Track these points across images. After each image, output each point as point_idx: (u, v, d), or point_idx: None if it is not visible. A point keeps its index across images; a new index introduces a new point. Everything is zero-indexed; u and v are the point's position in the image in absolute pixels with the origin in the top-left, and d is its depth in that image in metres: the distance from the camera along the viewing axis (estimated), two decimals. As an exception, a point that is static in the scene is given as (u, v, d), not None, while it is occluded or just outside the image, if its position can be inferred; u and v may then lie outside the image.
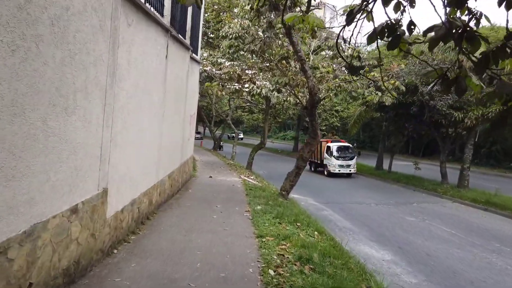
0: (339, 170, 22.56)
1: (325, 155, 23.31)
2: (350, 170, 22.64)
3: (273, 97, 15.20)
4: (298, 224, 7.34)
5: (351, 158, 22.73)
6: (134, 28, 5.22)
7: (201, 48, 20.29)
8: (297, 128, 40.96)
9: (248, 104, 37.27)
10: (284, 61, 9.43)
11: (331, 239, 7.23)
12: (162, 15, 6.66)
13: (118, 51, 4.67)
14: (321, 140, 34.21)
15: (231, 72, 12.27)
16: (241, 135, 51.45)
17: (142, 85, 5.81)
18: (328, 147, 23.10)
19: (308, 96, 10.31)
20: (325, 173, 23.24)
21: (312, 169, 25.53)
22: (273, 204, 9.04)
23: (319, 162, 24.07)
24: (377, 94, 8.39)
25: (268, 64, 9.92)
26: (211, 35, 25.54)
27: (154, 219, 6.89)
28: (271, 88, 15.13)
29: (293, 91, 9.67)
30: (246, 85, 15.87)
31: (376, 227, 11.30)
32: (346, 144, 24.18)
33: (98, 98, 4.18)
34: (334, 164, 22.51)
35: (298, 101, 16.56)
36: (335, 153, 22.79)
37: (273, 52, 9.46)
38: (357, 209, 13.95)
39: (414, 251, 9.09)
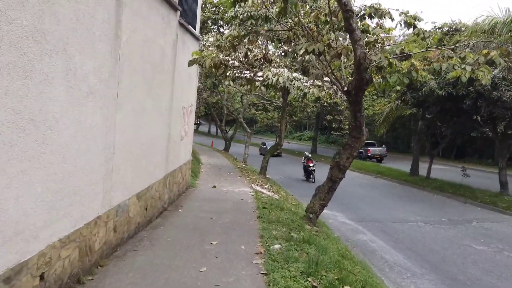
0: None
1: None
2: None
3: (292, 87, 12.13)
4: None
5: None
6: None
7: (207, 33, 17.19)
8: (315, 128, 37.68)
9: (262, 101, 34.30)
10: (314, 25, 6.40)
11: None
12: None
13: None
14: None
15: (233, 40, 9.43)
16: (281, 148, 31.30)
17: (33, 28, 2.84)
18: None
19: (352, 74, 7.19)
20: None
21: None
22: (299, 237, 5.95)
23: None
24: (464, 69, 5.23)
25: (289, 32, 6.89)
26: (220, 22, 22.68)
27: (94, 280, 3.90)
28: (289, 77, 12.09)
29: (329, 68, 6.52)
30: (260, 74, 12.85)
31: (440, 263, 8.07)
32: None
33: None
34: None
35: (326, 89, 13.43)
36: None
37: (298, 13, 6.40)
38: (402, 231, 10.71)
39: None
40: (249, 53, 7.23)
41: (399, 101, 20.26)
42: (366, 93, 25.13)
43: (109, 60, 3.98)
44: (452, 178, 19.23)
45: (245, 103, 26.89)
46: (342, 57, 5.42)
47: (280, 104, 30.12)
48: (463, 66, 5.47)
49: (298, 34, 5.98)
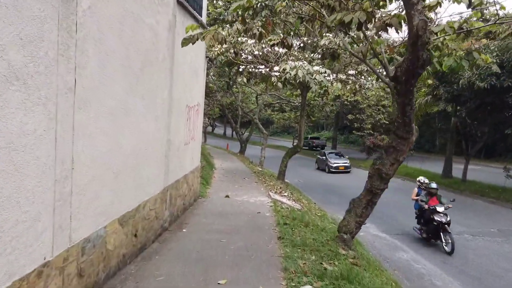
0: None
1: None
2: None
3: (313, 82, 10.72)
4: None
5: None
6: None
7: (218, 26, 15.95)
8: (335, 128, 35.97)
9: (278, 101, 32.86)
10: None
11: None
12: None
13: None
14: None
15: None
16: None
17: None
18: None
19: (390, 61, 5.73)
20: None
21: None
22: (334, 271, 4.51)
23: None
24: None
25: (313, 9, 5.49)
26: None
27: None
28: (310, 71, 10.70)
29: (370, 46, 5.03)
30: (276, 68, 11.52)
31: (507, 292, 6.49)
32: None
33: None
34: None
35: (351, 83, 11.97)
36: None
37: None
38: (448, 246, 9.09)
39: None
40: (263, 36, 5.81)
41: (429, 96, 18.51)
42: (389, 88, 23.17)
43: (53, 29, 2.67)
44: (491, 179, 17.32)
45: (260, 103, 25.52)
46: (390, 30, 3.98)
47: (297, 103, 28.75)
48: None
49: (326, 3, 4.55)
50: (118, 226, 4.08)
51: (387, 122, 29.94)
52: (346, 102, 27.75)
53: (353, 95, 18.50)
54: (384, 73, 6.14)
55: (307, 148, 39.62)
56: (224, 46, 12.60)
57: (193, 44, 3.87)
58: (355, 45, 6.61)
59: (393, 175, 5.56)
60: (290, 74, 10.61)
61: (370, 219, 11.81)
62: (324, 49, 6.68)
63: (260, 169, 19.65)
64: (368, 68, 12.38)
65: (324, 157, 25.29)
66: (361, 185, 6.08)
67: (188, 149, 7.67)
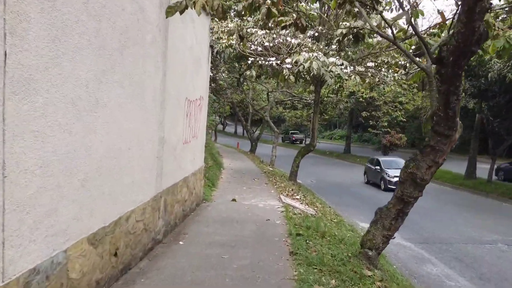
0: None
1: None
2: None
3: (328, 75, 9.79)
4: None
5: None
6: None
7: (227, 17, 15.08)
8: (349, 126, 34.77)
9: (290, 98, 31.80)
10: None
11: None
12: None
13: None
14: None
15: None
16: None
17: None
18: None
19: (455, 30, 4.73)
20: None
21: None
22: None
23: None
24: None
25: None
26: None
27: None
28: (325, 62, 9.84)
29: (410, 17, 4.04)
30: (288, 60, 10.60)
31: None
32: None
33: None
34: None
35: (370, 76, 11.04)
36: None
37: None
38: (482, 258, 8.04)
39: None
40: (272, 16, 4.89)
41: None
42: (406, 84, 21.84)
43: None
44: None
45: (271, 100, 24.55)
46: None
47: (310, 100, 27.64)
48: None
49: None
50: (88, 247, 3.23)
51: (404, 120, 28.65)
52: (361, 98, 26.57)
53: (369, 90, 17.45)
54: (417, 59, 5.14)
55: (288, 142, 44.81)
56: (229, 25, 11.72)
57: (181, 13, 2.98)
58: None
59: (429, 181, 4.59)
60: (304, 66, 9.69)
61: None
62: (346, 31, 5.67)
63: (271, 168, 18.74)
64: (389, 59, 11.36)
65: (377, 167, 17.46)
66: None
67: (189, 148, 6.81)
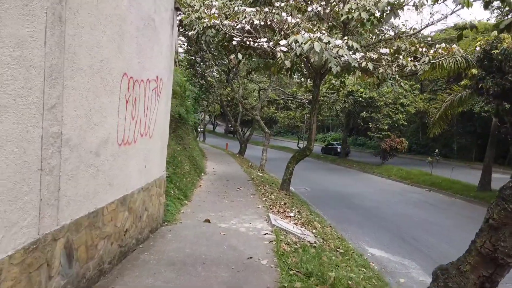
0: None
1: None
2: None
3: (333, 61, 7.64)
4: None
5: None
6: None
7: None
8: (345, 129, 32.70)
9: (283, 97, 29.62)
10: None
11: None
12: None
13: None
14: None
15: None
16: None
17: None
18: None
19: None
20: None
21: None
22: None
23: None
24: None
25: None
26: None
27: None
28: (330, 43, 7.72)
29: None
30: (283, 42, 8.44)
31: None
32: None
33: None
34: None
35: (384, 64, 8.94)
36: None
37: None
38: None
39: None
40: None
41: (466, 91, 15.31)
42: (406, 84, 19.40)
43: None
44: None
45: (263, 97, 22.37)
46: None
47: (304, 99, 25.52)
48: None
49: None
50: None
51: (406, 123, 26.70)
52: (360, 98, 24.54)
53: (376, 86, 15.34)
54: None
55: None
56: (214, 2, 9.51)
57: None
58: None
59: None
60: (303, 48, 7.52)
61: (407, 251, 8.62)
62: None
63: (260, 174, 16.52)
64: (407, 45, 9.23)
65: None
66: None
67: (133, 152, 4.54)
